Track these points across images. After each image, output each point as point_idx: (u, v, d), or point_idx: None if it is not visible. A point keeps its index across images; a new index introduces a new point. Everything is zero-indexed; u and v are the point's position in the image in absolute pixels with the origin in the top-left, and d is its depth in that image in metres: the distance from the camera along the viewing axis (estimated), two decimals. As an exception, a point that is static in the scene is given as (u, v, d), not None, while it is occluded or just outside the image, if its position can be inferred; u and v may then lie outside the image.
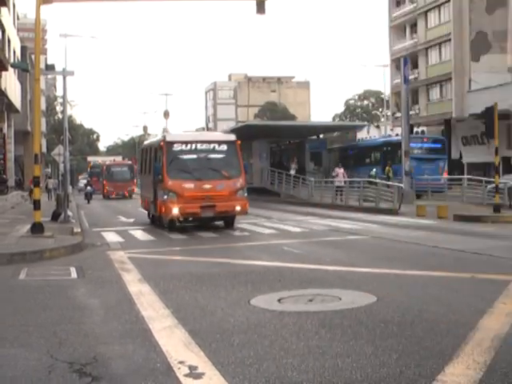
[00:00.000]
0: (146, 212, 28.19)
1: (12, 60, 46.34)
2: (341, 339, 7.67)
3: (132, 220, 30.10)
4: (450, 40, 58.43)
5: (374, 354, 7.00)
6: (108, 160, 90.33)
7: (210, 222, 24.74)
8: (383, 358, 6.85)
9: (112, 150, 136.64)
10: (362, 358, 6.90)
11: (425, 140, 46.44)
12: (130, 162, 73.86)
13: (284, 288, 11.11)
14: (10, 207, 37.58)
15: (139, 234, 22.83)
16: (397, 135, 73.86)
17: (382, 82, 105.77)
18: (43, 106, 76.83)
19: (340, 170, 40.51)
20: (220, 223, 25.00)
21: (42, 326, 8.77)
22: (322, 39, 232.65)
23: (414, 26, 65.62)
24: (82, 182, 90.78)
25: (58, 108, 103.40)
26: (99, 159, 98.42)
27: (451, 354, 6.86)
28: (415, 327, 8.14)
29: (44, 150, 70.76)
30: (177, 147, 23.54)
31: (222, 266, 14.22)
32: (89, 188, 56.74)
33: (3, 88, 39.83)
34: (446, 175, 44.09)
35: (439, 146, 46.81)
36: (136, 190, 63.48)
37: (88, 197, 54.45)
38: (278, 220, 27.70)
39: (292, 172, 46.57)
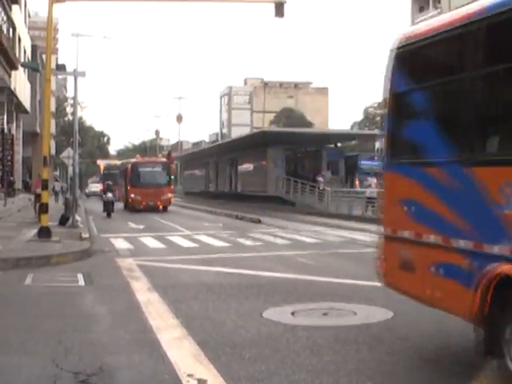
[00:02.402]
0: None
1: (22, 59, 46.66)
2: (356, 356, 7.65)
3: (142, 227, 30.12)
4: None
5: (390, 372, 6.97)
6: (118, 162, 77.33)
7: None
8: (400, 376, 6.82)
9: (123, 154, 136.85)
10: (377, 375, 6.88)
11: (375, 158, 52.52)
12: (164, 160, 54.24)
13: (297, 301, 11.09)
14: (17, 210, 37.73)
15: (149, 241, 22.85)
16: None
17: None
18: (53, 107, 76.99)
19: (373, 180, 39.07)
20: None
21: (47, 333, 8.79)
22: (342, 44, 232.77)
23: (437, 33, 65.51)
24: (93, 186, 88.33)
25: (68, 109, 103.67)
26: (113, 162, 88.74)
27: (472, 372, 6.81)
28: (434, 344, 8.10)
29: (53, 152, 70.92)
30: None
31: (234, 277, 14.22)
32: (109, 195, 39.41)
33: (13, 88, 40.10)
34: None
35: None
36: (173, 199, 50.28)
37: (108, 207, 38.93)
38: (292, 230, 27.65)
39: (321, 186, 43.85)
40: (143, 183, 46.21)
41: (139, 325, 9.27)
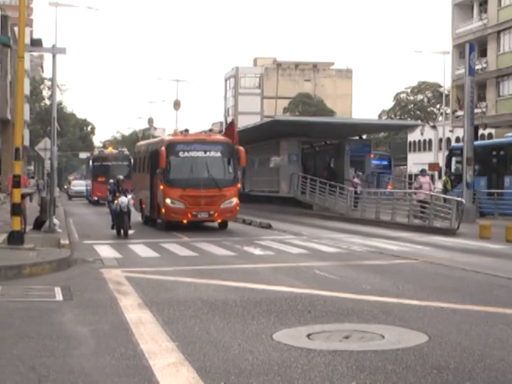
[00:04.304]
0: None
1: (-9, 33, 46.75)
2: (383, 387, 7.65)
3: (131, 232, 30.15)
4: (527, 23, 58.15)
5: (423, 407, 6.97)
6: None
7: None
8: (435, 412, 6.82)
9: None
10: (409, 410, 6.87)
11: (371, 156, 54.95)
12: (224, 138, 33.52)
13: (315, 321, 11.11)
14: (-16, 212, 37.83)
15: (140, 248, 22.89)
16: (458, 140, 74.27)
17: (441, 72, 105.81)
18: (27, 90, 77.35)
19: (425, 179, 36.08)
20: None
21: (17, 358, 8.81)
22: (369, 18, 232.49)
23: (483, 4, 65.42)
24: (78, 185, 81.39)
25: (46, 93, 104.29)
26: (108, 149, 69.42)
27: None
28: (476, 376, 8.08)
29: (27, 143, 71.01)
30: None
31: (240, 292, 14.22)
32: (124, 200, 27.48)
33: (-21, 67, 40.17)
34: (390, 188, 51.30)
35: (386, 162, 60.72)
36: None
37: (124, 221, 27.66)
38: (309, 237, 27.66)
39: (358, 189, 43.36)
40: (187, 180, 31.43)
41: (128, 349, 9.28)
